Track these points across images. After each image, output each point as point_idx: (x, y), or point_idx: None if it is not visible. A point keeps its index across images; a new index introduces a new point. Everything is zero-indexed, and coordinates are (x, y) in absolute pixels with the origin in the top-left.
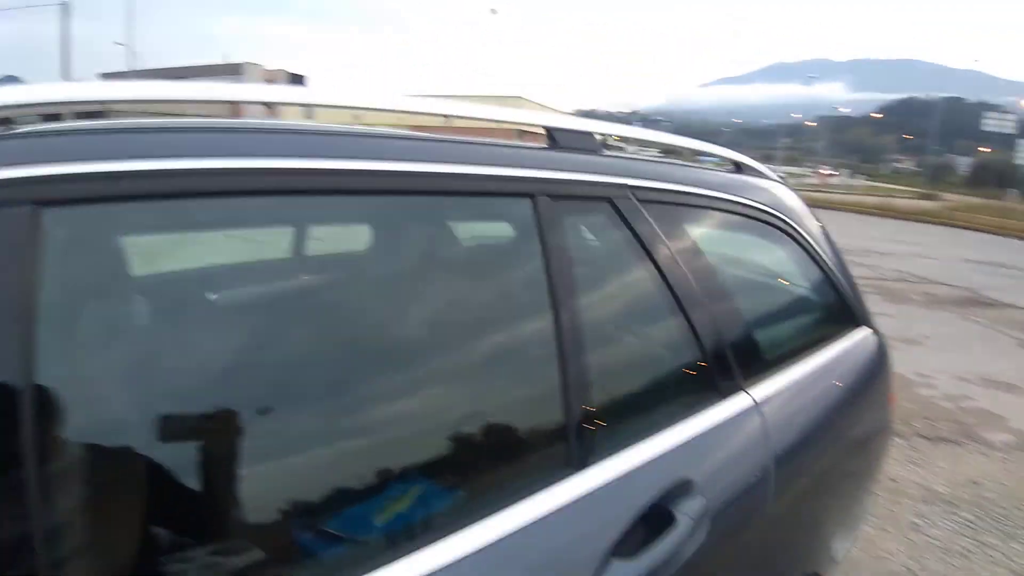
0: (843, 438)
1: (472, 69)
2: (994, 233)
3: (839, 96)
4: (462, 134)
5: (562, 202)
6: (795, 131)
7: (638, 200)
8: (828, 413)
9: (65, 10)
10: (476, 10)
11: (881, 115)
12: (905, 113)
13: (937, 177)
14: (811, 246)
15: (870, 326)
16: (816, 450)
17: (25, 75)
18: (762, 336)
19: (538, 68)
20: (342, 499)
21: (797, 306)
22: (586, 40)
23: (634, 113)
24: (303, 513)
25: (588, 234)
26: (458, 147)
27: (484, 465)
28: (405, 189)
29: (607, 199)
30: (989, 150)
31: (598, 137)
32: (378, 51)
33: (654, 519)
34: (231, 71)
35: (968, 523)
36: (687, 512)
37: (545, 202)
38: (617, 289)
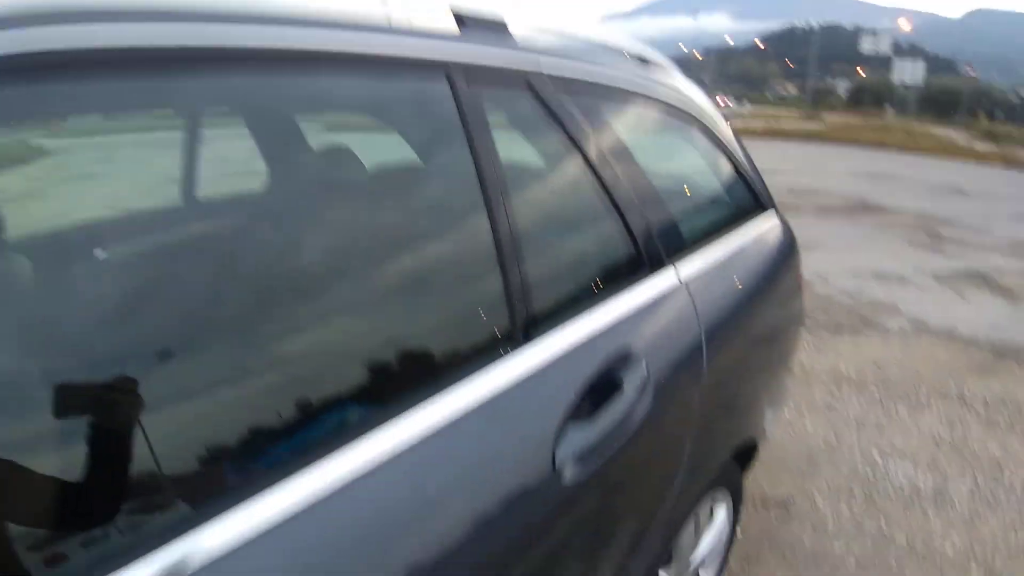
0: (764, 311)
1: None
2: (874, 148)
3: (724, 26)
4: None
5: (480, 84)
6: (684, 64)
7: (555, 86)
8: (748, 288)
9: None
10: None
11: (764, 45)
12: (787, 41)
13: (819, 101)
14: (717, 136)
15: (776, 212)
16: (741, 321)
17: None
18: (682, 218)
19: None
20: (291, 388)
21: (710, 191)
22: None
23: None
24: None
25: (509, 117)
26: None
27: (430, 346)
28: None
29: (526, 83)
30: (864, 75)
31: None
32: None
33: (603, 387)
34: None
35: (876, 399)
36: (632, 378)
37: (462, 82)
38: (543, 171)
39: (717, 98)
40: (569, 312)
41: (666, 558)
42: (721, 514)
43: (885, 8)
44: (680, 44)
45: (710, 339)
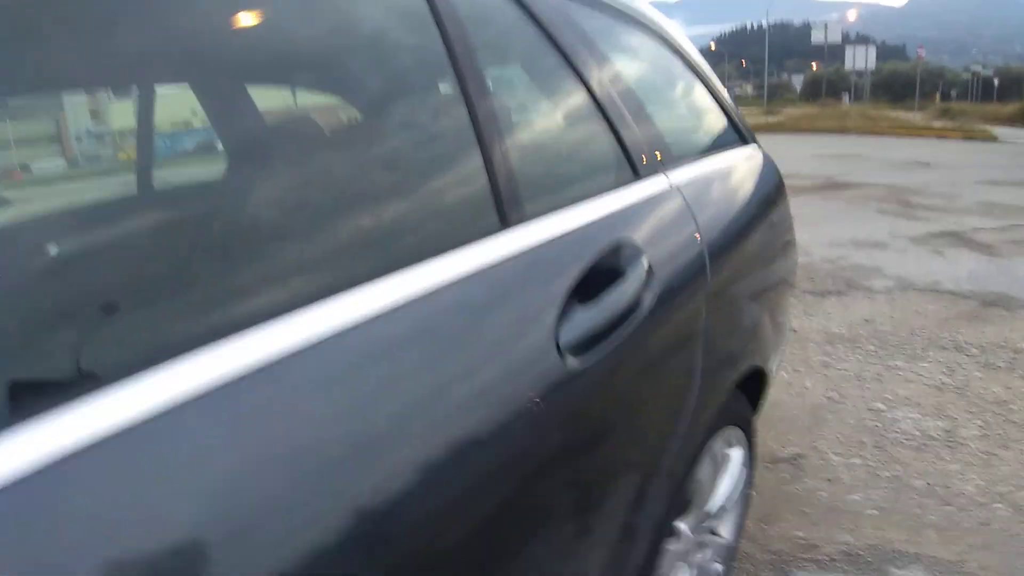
0: (759, 229)
1: None
2: (835, 134)
3: None
4: None
5: None
6: None
7: None
8: (741, 202)
9: None
10: None
11: (717, 47)
12: (739, 42)
13: (776, 95)
14: (694, 65)
15: (760, 148)
16: (737, 232)
17: None
18: (669, 133)
19: None
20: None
21: (695, 117)
22: None
23: None
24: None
25: (487, 16)
26: None
27: (415, 220)
28: None
29: None
30: (816, 66)
31: None
32: None
33: (604, 272)
34: None
35: (872, 353)
36: (635, 269)
37: None
38: (523, 66)
39: None
40: (561, 201)
41: (681, 507)
42: (736, 457)
43: (831, 3)
44: None
45: (709, 244)
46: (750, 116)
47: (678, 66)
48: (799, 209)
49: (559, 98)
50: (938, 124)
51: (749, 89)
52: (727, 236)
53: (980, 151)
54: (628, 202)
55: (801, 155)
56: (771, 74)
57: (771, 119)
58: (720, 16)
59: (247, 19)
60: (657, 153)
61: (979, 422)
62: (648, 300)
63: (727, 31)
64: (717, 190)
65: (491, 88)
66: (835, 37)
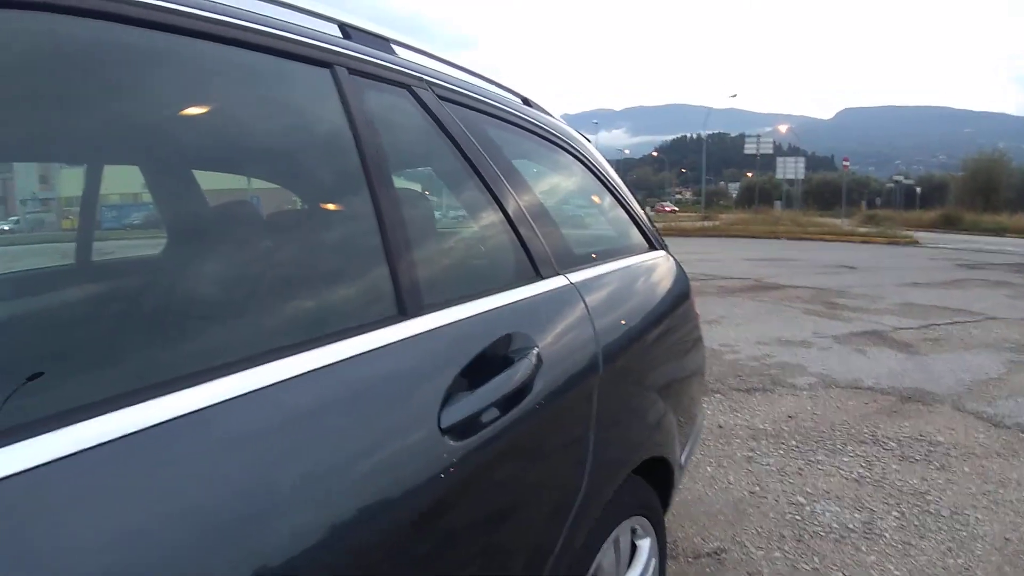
0: (660, 328)
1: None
2: (767, 238)
3: (622, 141)
4: None
5: (362, 79)
6: None
7: (437, 95)
8: (642, 304)
9: None
10: None
11: (658, 154)
12: (679, 150)
13: (712, 202)
14: (604, 176)
15: (669, 254)
16: (635, 328)
17: None
18: (573, 234)
19: None
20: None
21: (600, 220)
22: None
23: None
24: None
25: (391, 116)
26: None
27: (321, 305)
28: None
29: (406, 86)
30: (751, 175)
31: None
32: None
33: (492, 362)
34: None
35: (795, 448)
36: (524, 356)
37: (344, 75)
38: (426, 168)
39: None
40: (460, 294)
41: None
42: (645, 547)
43: (764, 115)
44: None
45: (604, 339)
46: (688, 221)
47: (590, 177)
48: (729, 309)
49: (466, 201)
50: (863, 230)
51: (688, 195)
52: (624, 332)
53: (902, 255)
54: (524, 297)
55: (734, 257)
56: (709, 181)
57: (708, 224)
58: (662, 127)
59: (194, 111)
60: (553, 256)
61: (896, 513)
62: (536, 388)
63: (668, 140)
64: (617, 290)
65: (397, 192)
66: (767, 148)
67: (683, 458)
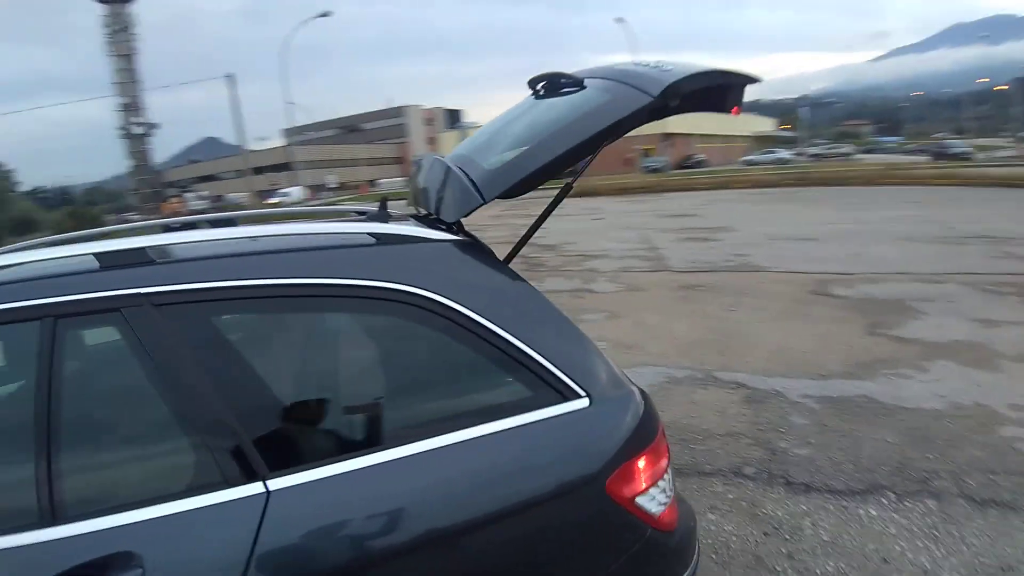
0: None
1: None
2: None
3: None
4: None
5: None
6: (984, 98)
7: (156, 306)
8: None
9: (231, 80)
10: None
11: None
12: None
13: None
14: (466, 318)
15: (596, 392)
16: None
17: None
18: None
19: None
20: None
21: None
22: None
23: (803, 98)
24: None
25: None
26: None
27: None
28: None
29: (116, 310)
30: None
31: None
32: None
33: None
34: (395, 114)
35: None
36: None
37: (51, 324)
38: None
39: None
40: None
41: None
42: None
43: None
44: (976, 79)
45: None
46: None
47: (428, 327)
48: None
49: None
50: None
51: None
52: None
53: None
54: (162, 512)
55: None
56: None
57: None
58: None
59: None
60: (266, 458)
61: None
62: None
63: None
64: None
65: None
66: None
67: None
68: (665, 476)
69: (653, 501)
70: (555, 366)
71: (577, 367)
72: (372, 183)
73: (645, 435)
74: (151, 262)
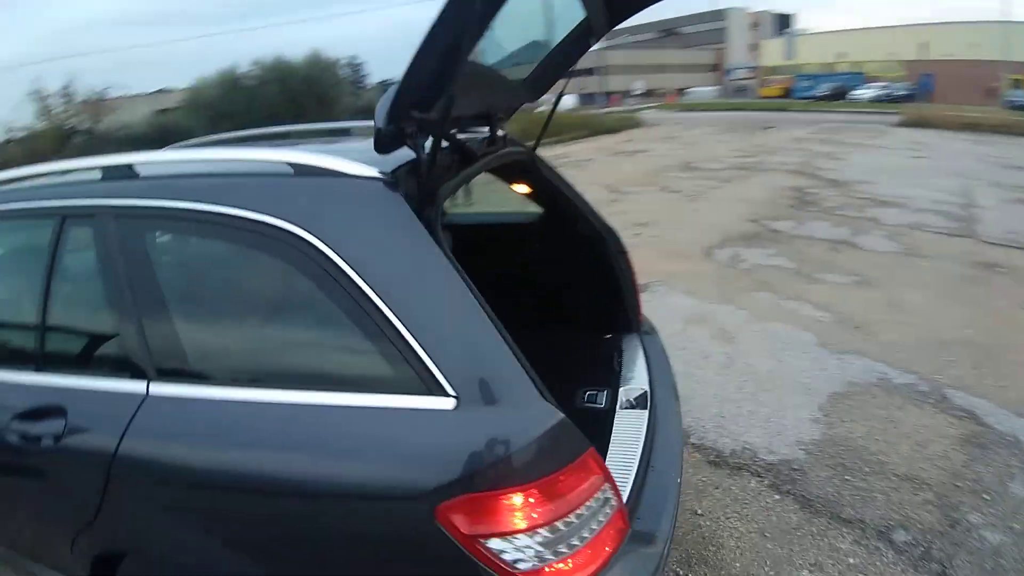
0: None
1: None
2: None
3: None
4: None
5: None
6: None
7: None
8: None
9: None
10: None
11: None
12: None
13: None
14: (338, 269)
15: (469, 398)
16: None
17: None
18: (197, 345)
19: None
20: None
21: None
22: None
23: None
24: None
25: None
26: None
27: None
28: None
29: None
30: None
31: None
32: None
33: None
34: (716, 17)
35: None
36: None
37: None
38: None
39: None
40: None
41: None
42: None
43: None
44: None
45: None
46: None
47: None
48: None
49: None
50: None
51: None
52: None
53: None
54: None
55: None
56: None
57: None
58: None
59: None
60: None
61: None
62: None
63: None
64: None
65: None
66: None
67: None
68: (571, 527)
69: (520, 551)
70: (427, 353)
71: (457, 363)
72: (681, 91)
73: (537, 466)
74: (115, 178)
